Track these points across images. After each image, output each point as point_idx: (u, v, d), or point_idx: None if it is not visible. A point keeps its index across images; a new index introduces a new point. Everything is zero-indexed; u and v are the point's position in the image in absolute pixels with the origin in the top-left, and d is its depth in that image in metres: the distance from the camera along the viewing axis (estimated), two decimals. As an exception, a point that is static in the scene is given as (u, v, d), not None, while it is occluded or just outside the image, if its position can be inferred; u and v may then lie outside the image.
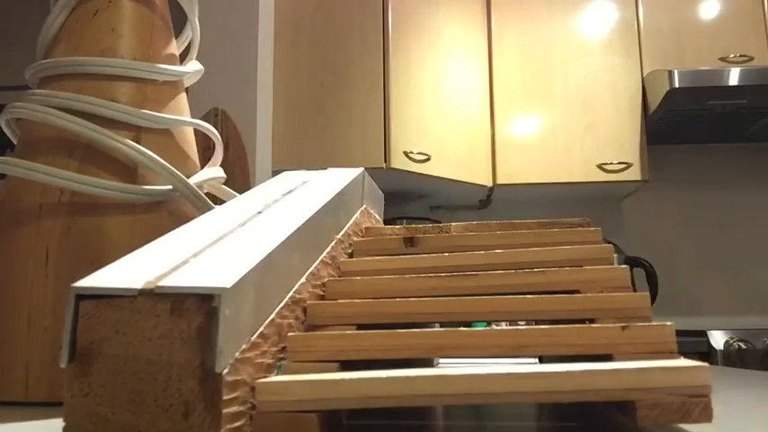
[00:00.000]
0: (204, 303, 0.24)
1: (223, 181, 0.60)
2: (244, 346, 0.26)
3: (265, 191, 0.44)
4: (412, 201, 2.69)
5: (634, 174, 2.41)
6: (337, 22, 2.36)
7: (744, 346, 2.10)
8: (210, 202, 0.53)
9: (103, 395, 0.24)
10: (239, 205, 0.39)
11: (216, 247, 0.30)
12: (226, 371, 0.23)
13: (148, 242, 0.50)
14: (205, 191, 0.58)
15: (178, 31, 0.61)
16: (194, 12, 0.60)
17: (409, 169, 2.26)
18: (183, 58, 0.61)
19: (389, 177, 2.27)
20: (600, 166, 2.43)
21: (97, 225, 0.48)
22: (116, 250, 0.48)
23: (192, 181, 0.52)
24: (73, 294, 0.25)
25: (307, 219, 0.35)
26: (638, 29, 2.54)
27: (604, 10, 2.58)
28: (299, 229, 0.33)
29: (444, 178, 2.33)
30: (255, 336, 0.27)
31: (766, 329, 2.08)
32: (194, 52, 0.62)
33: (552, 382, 0.25)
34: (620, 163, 2.42)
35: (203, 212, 0.53)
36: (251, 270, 0.26)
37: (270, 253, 0.29)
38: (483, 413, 0.38)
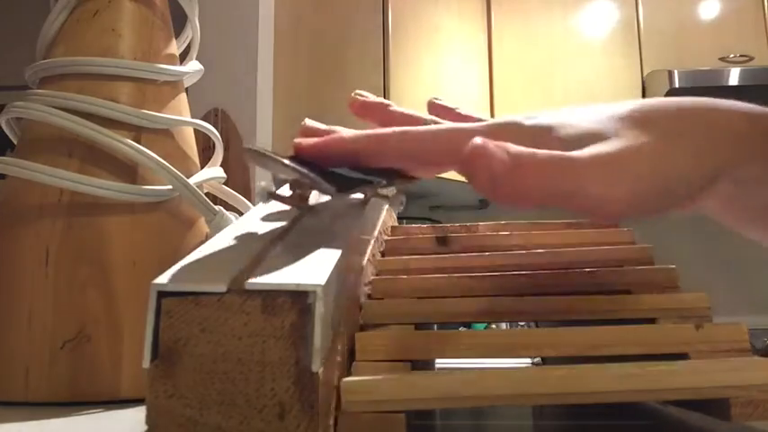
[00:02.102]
0: (297, 300, 0.23)
1: (223, 181, 0.60)
2: (329, 345, 0.25)
3: None
4: (412, 201, 2.69)
5: (634, 174, 2.41)
6: (337, 22, 2.36)
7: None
8: (210, 203, 0.53)
9: (190, 396, 0.23)
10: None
11: (284, 244, 0.29)
12: (320, 370, 0.23)
13: (148, 242, 0.50)
14: (205, 191, 0.58)
15: (178, 31, 0.61)
16: (194, 12, 0.60)
17: (409, 169, 2.26)
18: (183, 58, 0.61)
19: (389, 177, 2.26)
20: (600, 166, 2.43)
21: (97, 225, 0.48)
22: (116, 250, 0.48)
23: (192, 181, 0.52)
24: (154, 291, 0.24)
25: (360, 217, 0.35)
26: (638, 29, 2.54)
27: (604, 10, 2.58)
28: (354, 227, 0.33)
29: (444, 178, 2.33)
30: (336, 334, 0.27)
31: (766, 329, 2.08)
32: (194, 52, 0.62)
33: (650, 380, 0.25)
34: (620, 163, 2.42)
35: (203, 212, 0.53)
36: (333, 267, 0.26)
37: (343, 251, 0.28)
38: (541, 413, 0.39)
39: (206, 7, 0.69)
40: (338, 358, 0.27)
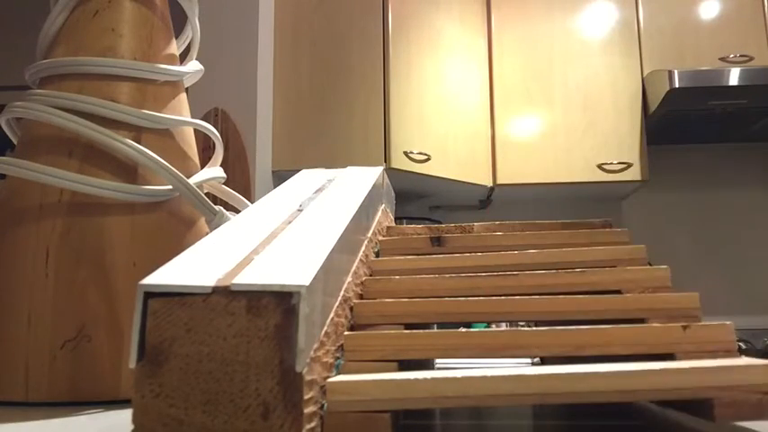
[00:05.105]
0: (282, 301, 0.23)
1: (223, 181, 0.60)
2: (315, 345, 0.25)
3: (295, 189, 0.44)
4: (412, 201, 2.69)
5: (634, 174, 2.41)
6: (337, 22, 2.36)
7: (744, 346, 2.10)
8: (210, 203, 0.53)
9: (176, 396, 0.23)
10: (275, 203, 0.39)
11: (273, 245, 0.29)
12: (305, 370, 0.23)
13: (148, 242, 0.50)
14: (205, 191, 0.58)
15: (178, 31, 0.61)
16: (194, 12, 0.60)
17: (409, 169, 2.26)
18: (183, 58, 0.61)
19: (390, 177, 2.26)
20: (600, 166, 2.43)
21: (97, 225, 0.48)
22: (116, 250, 0.48)
23: (192, 181, 0.52)
24: (141, 292, 0.24)
25: (351, 218, 0.35)
26: (638, 29, 2.54)
27: (604, 10, 2.58)
28: (346, 228, 0.33)
29: (444, 178, 2.33)
30: (322, 334, 0.27)
31: (766, 329, 2.08)
32: (194, 52, 0.62)
33: (632, 380, 0.25)
34: (620, 163, 2.42)
35: (203, 212, 0.53)
36: (319, 268, 0.26)
37: (330, 252, 0.28)
38: (535, 413, 0.39)
39: (206, 7, 0.69)
40: (326, 359, 0.27)
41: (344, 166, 0.54)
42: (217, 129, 0.60)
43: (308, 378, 0.23)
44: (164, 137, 0.53)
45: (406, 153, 2.26)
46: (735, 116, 2.41)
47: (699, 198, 2.68)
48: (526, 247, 0.41)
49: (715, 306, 2.54)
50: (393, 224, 0.54)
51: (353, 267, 0.36)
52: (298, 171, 0.51)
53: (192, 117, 0.58)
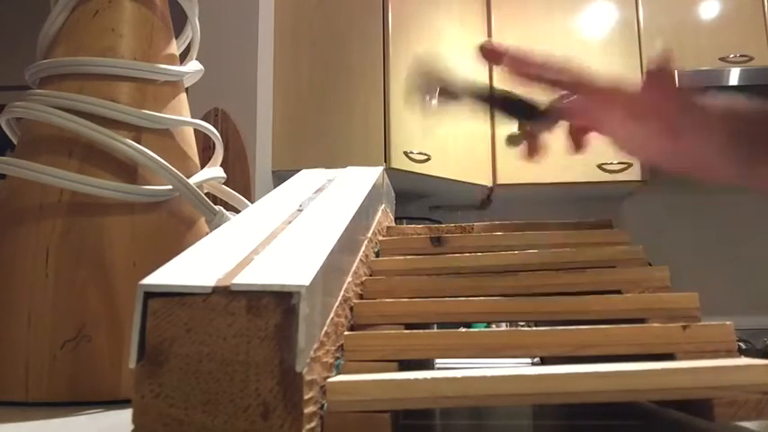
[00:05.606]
0: (282, 301, 0.23)
1: (223, 181, 0.60)
2: (315, 345, 0.25)
3: (295, 189, 0.44)
4: (412, 201, 2.69)
5: (634, 174, 2.41)
6: (337, 22, 2.36)
7: (744, 346, 2.10)
8: (210, 203, 0.53)
9: (176, 396, 0.23)
10: (275, 203, 0.39)
11: (273, 245, 0.29)
12: (305, 370, 0.23)
13: (148, 242, 0.50)
14: (205, 191, 0.58)
15: (178, 31, 0.61)
16: (194, 12, 0.60)
17: (409, 169, 2.26)
18: (183, 58, 0.61)
19: (390, 177, 2.26)
20: (600, 167, 2.43)
21: (97, 225, 0.48)
22: (116, 250, 0.48)
23: (192, 181, 0.52)
24: (141, 292, 0.24)
25: (351, 218, 0.35)
26: (638, 29, 2.54)
27: (604, 10, 2.58)
28: (346, 228, 0.33)
29: (444, 178, 2.33)
30: (322, 334, 0.27)
31: (766, 329, 2.08)
32: (194, 52, 0.62)
33: (632, 380, 0.26)
34: (620, 163, 2.42)
35: (203, 212, 0.53)
36: (319, 268, 0.26)
37: (331, 251, 0.29)
38: (535, 413, 0.39)
39: (206, 7, 0.69)
40: (326, 359, 0.27)
41: (344, 166, 0.54)
42: (217, 129, 0.60)
43: (308, 378, 0.23)
44: (164, 137, 0.53)
45: (406, 153, 2.26)
46: (735, 116, 2.41)
47: (699, 198, 2.68)
48: (526, 247, 0.41)
49: (715, 306, 2.54)
50: (393, 224, 0.54)
51: (353, 267, 0.36)
52: (298, 171, 0.51)
53: (192, 117, 0.58)
